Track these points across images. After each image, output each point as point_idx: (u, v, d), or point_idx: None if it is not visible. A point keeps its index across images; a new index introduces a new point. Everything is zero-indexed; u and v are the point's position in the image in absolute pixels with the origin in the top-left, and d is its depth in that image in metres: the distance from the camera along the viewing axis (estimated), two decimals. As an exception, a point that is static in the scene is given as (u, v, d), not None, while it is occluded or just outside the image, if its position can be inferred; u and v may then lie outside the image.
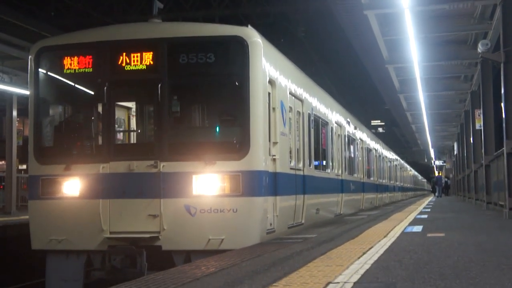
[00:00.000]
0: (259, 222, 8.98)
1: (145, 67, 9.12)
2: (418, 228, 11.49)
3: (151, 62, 9.13)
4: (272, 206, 9.59)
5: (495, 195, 19.39)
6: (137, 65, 9.15)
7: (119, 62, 9.20)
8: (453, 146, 51.07)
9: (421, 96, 30.51)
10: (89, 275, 9.14)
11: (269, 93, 9.71)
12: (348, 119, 19.64)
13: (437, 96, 32.70)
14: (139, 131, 10.84)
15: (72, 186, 9.16)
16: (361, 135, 22.89)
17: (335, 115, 16.89)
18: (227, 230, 8.69)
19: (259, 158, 8.98)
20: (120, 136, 10.67)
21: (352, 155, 20.53)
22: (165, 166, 8.88)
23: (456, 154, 47.47)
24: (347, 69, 38.60)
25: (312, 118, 13.31)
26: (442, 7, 18.93)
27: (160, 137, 9.14)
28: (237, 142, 9.08)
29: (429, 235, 9.91)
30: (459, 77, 30.19)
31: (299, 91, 12.17)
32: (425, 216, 16.70)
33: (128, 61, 9.17)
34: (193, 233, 8.73)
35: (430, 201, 35.23)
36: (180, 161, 8.92)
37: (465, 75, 29.25)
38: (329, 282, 5.16)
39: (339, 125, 17.62)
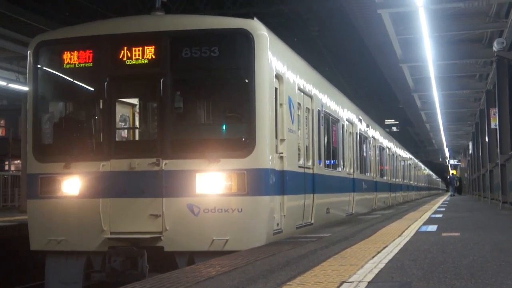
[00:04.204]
0: (265, 222, 8.64)
1: (147, 62, 8.81)
2: (432, 228, 11.43)
3: (153, 56, 8.81)
4: (279, 206, 9.25)
5: (511, 195, 19.24)
6: (139, 59, 8.83)
7: (120, 57, 8.88)
8: (468, 145, 50.78)
9: (436, 95, 30.37)
10: (89, 277, 8.85)
11: (276, 89, 9.34)
12: (360, 117, 19.18)
13: (452, 95, 32.55)
14: (140, 128, 10.51)
15: (72, 184, 8.86)
16: (374, 133, 22.47)
17: (346, 112, 16.47)
18: (231, 231, 8.37)
19: (265, 155, 8.65)
20: (122, 133, 10.31)
21: (364, 154, 20.09)
22: (167, 164, 8.55)
23: (471, 153, 47.19)
24: (361, 68, 38.47)
25: (322, 115, 12.91)
26: (457, 6, 18.82)
27: (162, 134, 8.83)
28: (242, 139, 8.74)
29: (444, 234, 9.85)
30: (474, 76, 30.01)
31: (308, 87, 11.77)
32: (440, 215, 16.61)
33: (129, 55, 8.86)
34: (196, 233, 8.42)
35: (444, 201, 35.03)
36: (183, 158, 8.59)
37: (480, 74, 29.08)
38: (343, 281, 5.14)
39: (351, 122, 17.18)
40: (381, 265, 6.06)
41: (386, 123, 64.47)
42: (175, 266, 8.19)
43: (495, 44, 18.37)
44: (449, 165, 79.30)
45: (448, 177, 65.11)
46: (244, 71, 8.76)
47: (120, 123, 9.98)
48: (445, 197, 47.23)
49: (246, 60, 8.69)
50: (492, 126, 24.14)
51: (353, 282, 5.12)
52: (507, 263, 6.13)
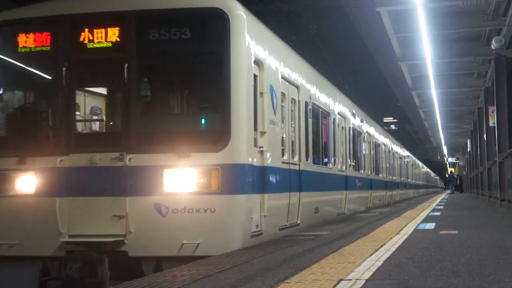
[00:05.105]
0: (241, 223, 7.84)
1: (110, 45, 7.99)
2: (430, 226, 11.43)
3: (118, 39, 7.98)
4: (258, 205, 8.45)
5: (509, 193, 19.25)
6: (101, 42, 8.01)
7: (81, 39, 8.04)
8: (466, 143, 50.86)
9: (434, 93, 30.42)
10: (46, 285, 7.95)
11: (255, 76, 8.54)
12: (354, 111, 18.23)
13: (450, 93, 32.60)
14: (103, 118, 9.55)
15: (26, 182, 7.98)
16: (369, 128, 21.56)
17: (338, 106, 15.46)
18: (203, 234, 7.57)
19: (242, 149, 7.82)
20: (93, 126, 9.44)
21: (358, 150, 19.18)
22: (132, 159, 7.73)
23: (469, 151, 47.27)
24: (360, 66, 38.54)
25: (310, 107, 11.96)
26: (455, 4, 18.86)
27: (127, 126, 7.97)
28: (215, 131, 7.97)
29: (442, 232, 9.85)
30: (472, 74, 30.07)
31: (294, 76, 10.80)
32: (438, 213, 16.62)
33: (91, 37, 8.03)
34: (165, 236, 7.61)
35: (443, 199, 35.08)
36: (149, 153, 7.77)
37: (479, 72, 29.13)
38: (341, 279, 5.14)
39: (343, 116, 16.16)
40: (379, 263, 6.06)
41: (384, 121, 64.57)
42: (141, 273, 7.47)
43: (493, 42, 18.39)
44: (448, 163, 79.40)
45: (447, 175, 65.28)
46: (218, 55, 7.93)
47: (92, 116, 9.35)
48: (444, 195, 47.29)
49: (220, 43, 7.88)
50: (491, 124, 24.17)
51: (350, 279, 5.11)
52: (504, 261, 6.13)
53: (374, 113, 34.08)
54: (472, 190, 44.17)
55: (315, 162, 12.62)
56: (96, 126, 9.38)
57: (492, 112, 23.45)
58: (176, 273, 5.94)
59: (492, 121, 23.50)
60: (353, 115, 18.11)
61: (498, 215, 15.71)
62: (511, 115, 22.82)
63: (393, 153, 29.62)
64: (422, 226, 11.31)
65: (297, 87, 11.05)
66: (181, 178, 7.68)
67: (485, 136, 28.54)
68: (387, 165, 27.07)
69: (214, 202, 7.62)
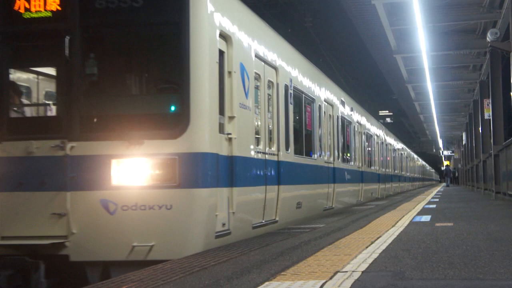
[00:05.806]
0: (203, 222, 6.85)
1: (50, 14, 7.02)
2: (426, 218, 11.46)
3: (58, 8, 7.01)
4: (225, 201, 7.43)
5: (504, 185, 19.32)
6: (40, 11, 7.04)
7: (16, 8, 7.07)
8: (462, 136, 50.98)
9: (430, 86, 30.44)
10: None
11: (222, 52, 7.56)
12: (343, 98, 17.03)
13: (446, 86, 32.66)
14: (45, 102, 8.42)
15: None
16: (360, 118, 20.37)
17: (324, 92, 14.25)
18: (158, 234, 6.63)
19: (203, 136, 6.87)
20: (49, 111, 8.14)
21: (348, 141, 18.04)
22: (74, 148, 6.80)
23: (464, 144, 47.39)
24: (355, 59, 38.53)
25: (290, 91, 10.83)
26: (451, -4, 18.84)
27: (69, 109, 6.95)
28: (172, 114, 7.05)
29: (437, 224, 9.88)
30: (467, 67, 30.11)
31: (272, 56, 9.67)
32: (434, 206, 16.66)
33: (27, 6, 7.06)
34: (112, 238, 6.67)
35: (438, 191, 35.17)
36: (95, 140, 6.81)
37: (474, 65, 29.17)
38: (337, 271, 5.15)
39: (330, 104, 15.02)
40: (375, 255, 6.08)
41: (380, 114, 64.66)
42: (85, 281, 6.59)
43: (488, 34, 18.37)
44: (443, 156, 79.59)
45: (443, 168, 65.56)
46: (175, 26, 6.90)
47: (46, 101, 8.38)
48: (439, 188, 47.41)
49: (177, 11, 6.87)
50: (486, 116, 24.25)
51: (347, 271, 5.12)
52: (500, 252, 6.15)
53: (370, 106, 34.12)
54: (468, 183, 44.28)
55: (298, 152, 11.69)
56: (52, 112, 7.94)
57: (488, 105, 23.52)
58: (174, 265, 5.94)
59: (487, 113, 23.58)
60: (342, 103, 16.91)
61: (493, 207, 15.77)
62: (506, 108, 22.90)
63: (386, 145, 28.80)
64: (418, 219, 11.34)
65: (275, 68, 9.96)
66: (131, 170, 6.72)
67: (480, 129, 28.62)
68: (380, 157, 26.29)
69: (171, 198, 6.66)
